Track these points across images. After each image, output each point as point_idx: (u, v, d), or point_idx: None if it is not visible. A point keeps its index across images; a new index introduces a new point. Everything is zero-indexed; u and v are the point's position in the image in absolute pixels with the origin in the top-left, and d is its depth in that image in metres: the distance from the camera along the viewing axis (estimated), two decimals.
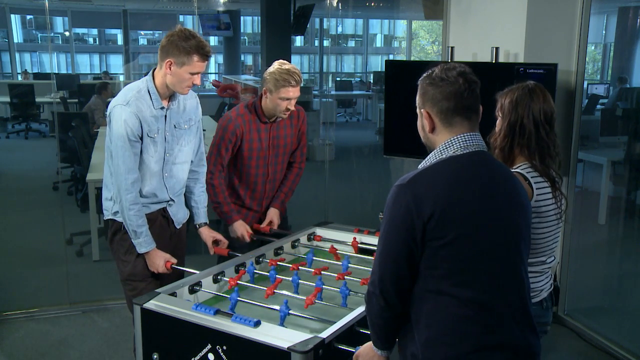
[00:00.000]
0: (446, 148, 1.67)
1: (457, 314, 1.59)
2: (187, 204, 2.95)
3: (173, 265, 2.69)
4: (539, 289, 2.21)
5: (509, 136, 2.16)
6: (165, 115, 2.64)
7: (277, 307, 2.21)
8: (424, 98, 1.70)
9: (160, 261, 2.66)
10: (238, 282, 2.50)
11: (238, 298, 2.30)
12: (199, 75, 2.56)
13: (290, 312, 2.19)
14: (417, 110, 1.75)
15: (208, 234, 2.92)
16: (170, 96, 2.65)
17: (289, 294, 2.41)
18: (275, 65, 2.96)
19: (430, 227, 1.57)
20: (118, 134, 2.53)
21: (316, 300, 2.32)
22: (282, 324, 2.15)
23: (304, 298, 2.30)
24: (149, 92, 2.59)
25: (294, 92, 2.92)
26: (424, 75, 1.72)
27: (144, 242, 2.62)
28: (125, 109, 2.53)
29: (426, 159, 1.71)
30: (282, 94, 2.91)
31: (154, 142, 2.61)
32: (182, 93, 2.61)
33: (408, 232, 1.59)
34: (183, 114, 2.72)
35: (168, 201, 2.76)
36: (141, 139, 2.57)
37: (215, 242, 2.93)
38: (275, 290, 2.42)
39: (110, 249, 2.79)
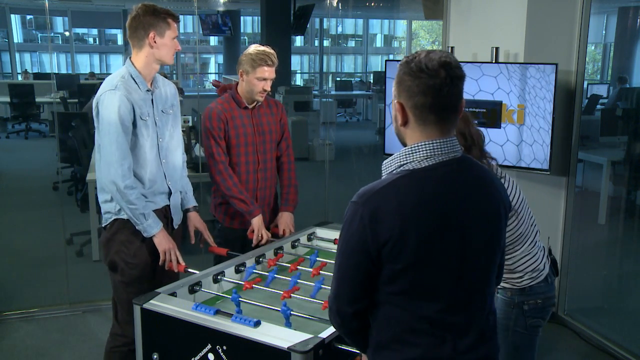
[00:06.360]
0: (411, 153, 1.53)
1: (409, 326, 1.53)
2: None
3: (186, 269, 2.65)
4: (542, 267, 2.34)
5: None
6: (152, 100, 2.65)
7: (278, 308, 2.21)
8: (399, 88, 1.52)
9: (169, 243, 2.62)
10: (254, 285, 2.49)
11: (240, 299, 2.29)
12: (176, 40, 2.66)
13: (292, 312, 2.19)
14: (393, 99, 1.57)
15: (196, 222, 2.90)
16: (151, 82, 2.68)
17: (300, 296, 2.39)
18: (251, 48, 3.04)
19: (386, 252, 1.47)
20: (110, 120, 2.49)
21: (315, 299, 2.32)
22: (287, 324, 2.15)
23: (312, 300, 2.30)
24: (132, 77, 2.59)
25: (269, 73, 3.01)
26: (404, 60, 1.52)
27: (152, 222, 2.58)
28: (115, 93, 2.50)
29: (388, 160, 1.59)
30: (258, 74, 2.98)
31: (146, 125, 2.61)
32: (169, 63, 2.67)
33: (364, 255, 1.49)
34: (166, 100, 2.75)
35: (167, 193, 2.73)
36: (134, 123, 2.55)
37: (196, 232, 2.91)
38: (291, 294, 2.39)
39: (105, 249, 2.66)
